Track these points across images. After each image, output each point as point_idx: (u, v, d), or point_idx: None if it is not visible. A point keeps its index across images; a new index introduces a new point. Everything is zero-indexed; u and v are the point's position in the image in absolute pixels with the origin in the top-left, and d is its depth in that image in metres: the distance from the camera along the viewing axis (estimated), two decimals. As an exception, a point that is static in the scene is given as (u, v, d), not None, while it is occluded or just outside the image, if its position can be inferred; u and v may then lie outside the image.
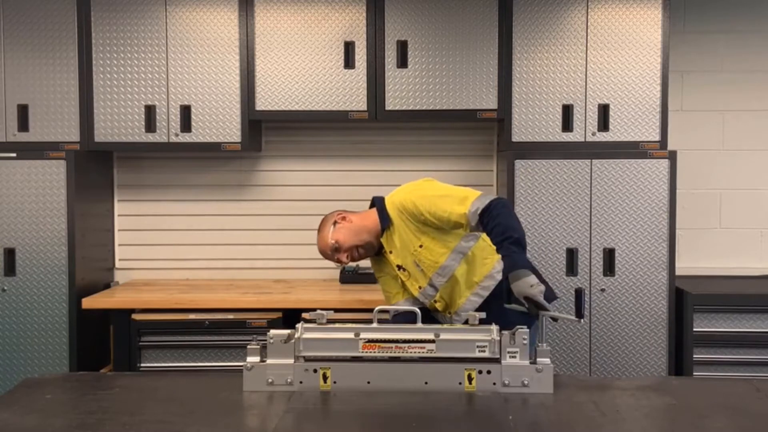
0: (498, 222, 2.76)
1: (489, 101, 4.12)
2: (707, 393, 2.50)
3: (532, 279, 2.58)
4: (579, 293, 2.52)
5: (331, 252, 3.03)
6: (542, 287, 2.60)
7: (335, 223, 3.04)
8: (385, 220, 3.03)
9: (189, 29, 4.15)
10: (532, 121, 4.11)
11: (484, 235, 3.00)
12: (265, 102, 4.16)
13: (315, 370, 2.46)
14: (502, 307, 2.72)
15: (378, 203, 3.08)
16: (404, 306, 2.98)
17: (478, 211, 2.81)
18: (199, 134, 4.16)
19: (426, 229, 2.96)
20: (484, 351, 2.46)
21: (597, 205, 4.02)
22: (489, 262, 3.02)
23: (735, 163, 4.64)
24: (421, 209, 2.94)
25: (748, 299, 4.06)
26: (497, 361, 2.44)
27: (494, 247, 2.95)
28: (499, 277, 3.00)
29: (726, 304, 4.05)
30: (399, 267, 3.03)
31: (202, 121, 4.15)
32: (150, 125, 4.14)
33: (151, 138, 4.15)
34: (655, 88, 4.09)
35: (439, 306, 3.03)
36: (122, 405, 2.35)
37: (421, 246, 2.97)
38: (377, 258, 3.14)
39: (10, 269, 4.01)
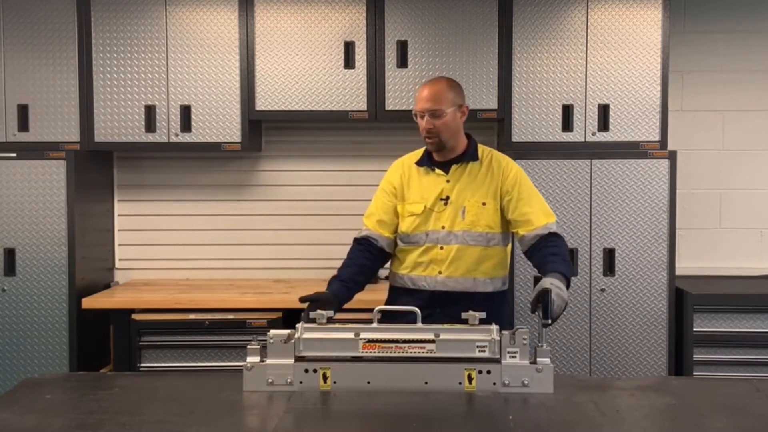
0: (561, 249, 2.89)
1: (489, 101, 4.13)
2: (707, 393, 2.50)
3: (564, 289, 2.64)
4: (545, 293, 2.51)
5: (433, 107, 2.92)
6: (563, 301, 2.59)
7: (460, 106, 3.00)
8: (474, 156, 3.03)
9: (189, 29, 4.15)
10: (532, 121, 4.11)
11: (508, 248, 3.09)
12: (265, 102, 4.16)
13: (315, 370, 2.46)
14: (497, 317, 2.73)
15: (473, 138, 3.09)
16: (374, 235, 3.03)
17: (551, 230, 2.94)
18: (199, 134, 4.16)
19: (497, 198, 2.99)
20: (484, 351, 2.46)
21: (597, 205, 4.02)
22: (501, 272, 3.05)
23: (735, 163, 4.64)
24: (516, 186, 2.99)
25: (748, 299, 4.06)
26: (497, 361, 2.44)
27: (501, 259, 3.05)
28: (503, 288, 3.08)
29: (726, 304, 4.05)
30: (445, 198, 2.98)
31: (202, 121, 4.15)
32: (150, 125, 4.14)
33: (151, 138, 4.15)
34: (655, 88, 4.09)
35: (441, 254, 2.97)
36: (122, 405, 2.35)
37: (484, 204, 2.97)
38: (422, 169, 3.05)
39: (10, 269, 4.01)
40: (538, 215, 2.96)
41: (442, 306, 2.93)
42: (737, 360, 4.04)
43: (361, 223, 3.13)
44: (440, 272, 2.98)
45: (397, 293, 3.09)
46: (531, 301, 2.59)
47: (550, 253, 2.85)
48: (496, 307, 2.95)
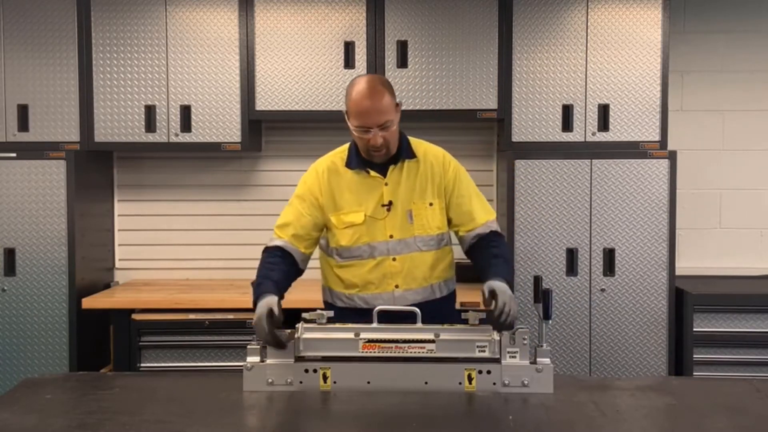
0: (503, 250, 2.71)
1: (489, 101, 4.12)
2: (707, 393, 2.50)
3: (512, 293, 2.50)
4: (546, 293, 2.48)
5: (382, 119, 2.58)
6: (516, 306, 2.46)
7: (397, 105, 2.67)
8: (409, 153, 2.73)
9: (189, 29, 4.15)
10: (532, 121, 4.11)
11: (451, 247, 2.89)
12: (265, 102, 4.16)
13: (315, 370, 2.46)
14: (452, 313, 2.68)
15: (403, 133, 2.75)
16: (289, 247, 2.70)
17: (492, 228, 2.75)
18: (199, 134, 4.16)
19: (442, 195, 2.75)
20: (484, 351, 2.46)
21: (597, 205, 4.02)
22: (452, 271, 2.89)
23: (735, 163, 4.64)
24: (457, 182, 2.75)
25: (748, 299, 4.06)
26: (497, 361, 2.44)
27: (451, 257, 2.86)
28: (453, 287, 2.90)
29: (726, 304, 4.05)
30: (387, 204, 2.69)
31: (202, 121, 4.15)
32: (150, 125, 4.14)
33: (151, 138, 4.15)
34: (655, 88, 4.09)
35: (396, 267, 2.71)
36: (122, 405, 2.35)
37: (431, 204, 2.73)
38: (352, 171, 2.72)
39: (10, 269, 4.01)
40: (479, 213, 2.76)
41: (402, 321, 2.59)
42: (737, 360, 4.04)
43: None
44: (397, 286, 2.73)
45: (343, 315, 2.71)
46: (486, 303, 2.44)
47: (492, 255, 2.66)
48: (449, 308, 2.83)
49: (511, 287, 2.55)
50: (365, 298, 2.75)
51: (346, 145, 2.78)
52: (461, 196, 2.76)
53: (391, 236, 2.71)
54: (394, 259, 2.72)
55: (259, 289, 2.58)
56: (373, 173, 2.71)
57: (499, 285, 2.48)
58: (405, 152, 2.73)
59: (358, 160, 2.72)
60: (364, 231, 2.70)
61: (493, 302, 2.42)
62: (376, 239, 2.71)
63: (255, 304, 2.52)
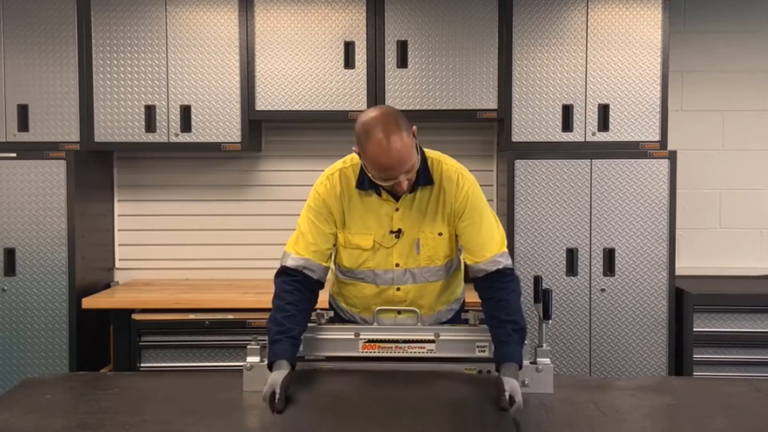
0: (511, 300, 2.44)
1: (489, 101, 4.12)
2: (707, 393, 2.50)
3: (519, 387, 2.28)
4: (546, 293, 2.45)
5: (407, 167, 2.34)
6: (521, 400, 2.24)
7: (414, 135, 2.37)
8: (427, 179, 2.49)
9: (189, 29, 4.15)
10: (532, 121, 4.11)
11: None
12: (265, 102, 4.16)
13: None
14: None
15: (421, 151, 2.46)
16: (312, 265, 2.49)
17: (501, 267, 2.47)
18: (199, 134, 4.16)
19: (451, 223, 2.52)
20: (484, 351, 2.46)
21: (597, 205, 4.02)
22: (459, 290, 2.76)
23: (735, 163, 4.64)
24: (467, 208, 2.50)
25: (748, 299, 4.06)
26: (497, 361, 2.44)
27: (460, 278, 2.73)
28: (457, 307, 2.76)
29: (726, 304, 4.05)
30: (396, 231, 2.51)
31: (202, 121, 4.15)
32: (150, 125, 4.14)
33: (151, 138, 4.15)
34: (655, 88, 4.09)
35: (399, 296, 2.58)
36: (122, 405, 2.35)
37: (440, 234, 2.52)
38: (363, 194, 2.50)
39: (10, 269, 4.01)
40: (488, 245, 2.49)
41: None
42: (737, 360, 4.04)
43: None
44: (399, 313, 2.59)
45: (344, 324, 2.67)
46: (497, 401, 2.22)
47: (503, 319, 2.40)
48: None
49: (520, 364, 2.36)
50: (366, 320, 2.64)
51: (357, 160, 2.51)
52: (471, 223, 2.50)
53: (396, 265, 2.55)
54: (398, 289, 2.59)
55: (274, 351, 2.34)
56: (385, 195, 2.49)
57: (515, 387, 2.25)
58: (423, 178, 2.48)
59: (370, 181, 2.46)
60: (369, 256, 2.55)
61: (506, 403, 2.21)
62: (381, 267, 2.56)
63: (270, 364, 2.33)
